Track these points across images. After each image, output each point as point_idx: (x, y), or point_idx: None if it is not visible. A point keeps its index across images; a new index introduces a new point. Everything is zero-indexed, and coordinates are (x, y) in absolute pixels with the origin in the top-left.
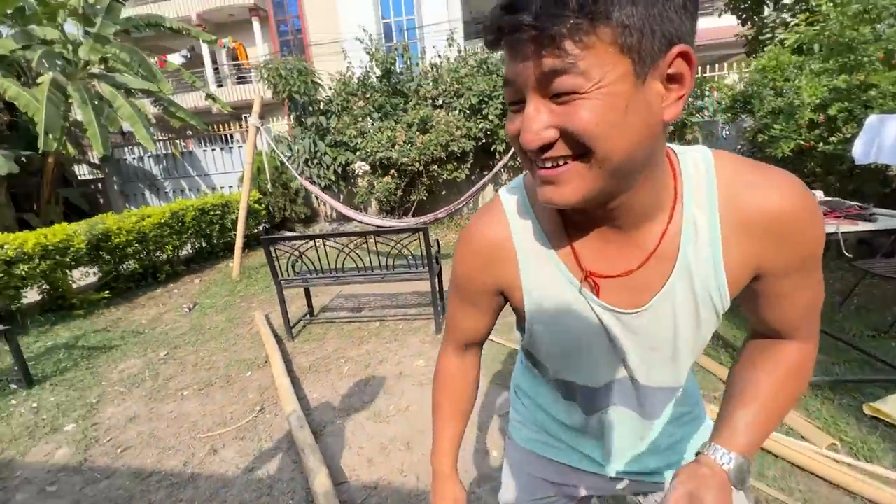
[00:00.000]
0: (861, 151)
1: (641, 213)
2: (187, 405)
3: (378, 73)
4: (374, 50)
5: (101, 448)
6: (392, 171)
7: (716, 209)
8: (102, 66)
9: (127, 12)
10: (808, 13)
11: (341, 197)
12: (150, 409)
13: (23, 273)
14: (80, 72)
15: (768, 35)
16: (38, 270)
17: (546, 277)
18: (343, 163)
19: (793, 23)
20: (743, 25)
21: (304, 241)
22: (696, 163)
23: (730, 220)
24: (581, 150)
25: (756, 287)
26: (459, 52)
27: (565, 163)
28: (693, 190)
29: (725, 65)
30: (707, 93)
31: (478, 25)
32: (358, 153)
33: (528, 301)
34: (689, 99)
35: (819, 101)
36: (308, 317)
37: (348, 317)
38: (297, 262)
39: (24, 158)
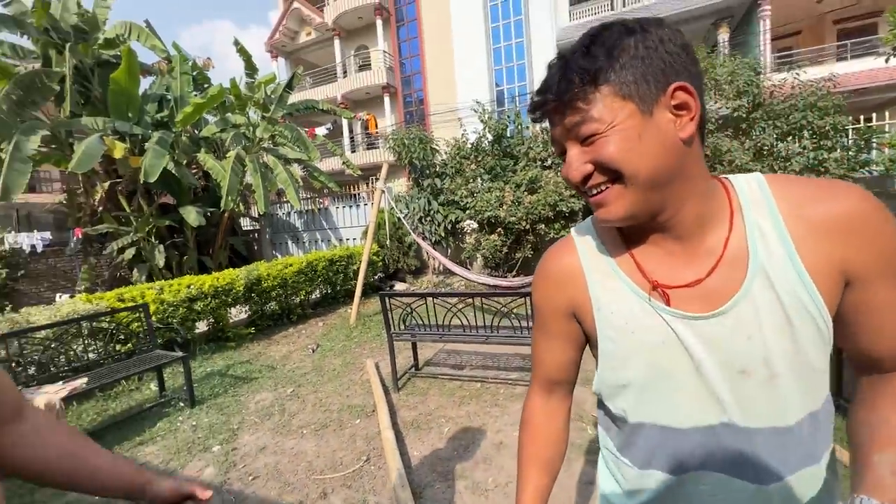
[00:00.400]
0: None
1: (696, 223)
2: (305, 444)
3: (490, 138)
4: (486, 118)
5: (237, 473)
6: (499, 228)
7: (778, 216)
8: (270, 141)
9: (291, 99)
10: None
11: (449, 251)
12: (276, 443)
13: (199, 308)
14: (254, 147)
15: None
16: (208, 307)
17: (614, 292)
18: (453, 220)
19: None
20: None
21: (415, 299)
22: (748, 181)
23: (798, 228)
24: (613, 175)
25: (852, 299)
26: None
27: (606, 188)
28: (751, 202)
29: None
30: (875, 145)
31: None
32: (467, 212)
33: (599, 318)
34: (850, 153)
35: None
36: (413, 369)
37: (450, 374)
38: (409, 316)
39: (208, 213)
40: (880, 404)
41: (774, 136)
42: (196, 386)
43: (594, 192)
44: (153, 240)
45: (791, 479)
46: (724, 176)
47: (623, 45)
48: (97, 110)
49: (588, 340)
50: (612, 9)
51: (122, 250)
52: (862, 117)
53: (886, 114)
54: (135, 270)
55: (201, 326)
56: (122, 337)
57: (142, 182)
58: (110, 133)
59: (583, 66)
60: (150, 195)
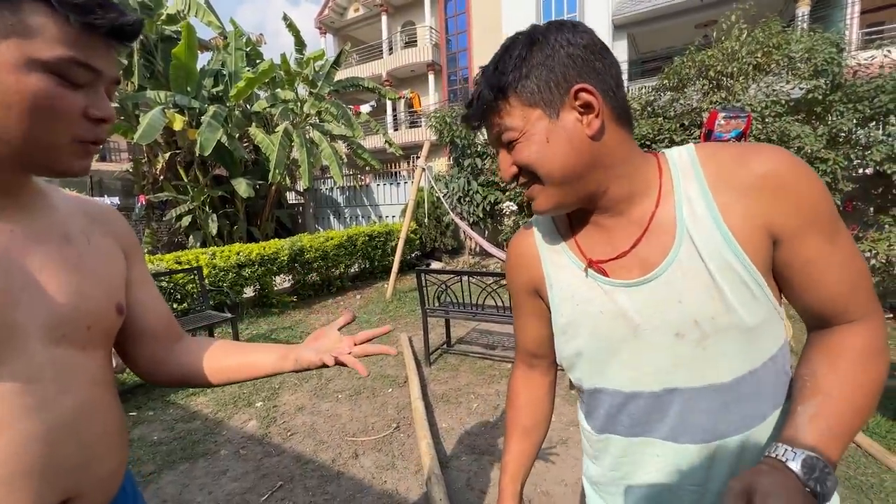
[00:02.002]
0: None
1: (626, 200)
2: (340, 407)
3: None
4: None
5: (277, 428)
6: None
7: (704, 182)
8: (316, 117)
9: (337, 76)
10: None
11: (486, 233)
12: (313, 404)
13: (247, 275)
14: (302, 122)
15: None
16: (255, 274)
17: (561, 269)
18: (492, 201)
19: None
20: None
21: (450, 276)
22: (679, 153)
23: (721, 191)
24: (533, 175)
25: (782, 257)
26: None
27: (531, 189)
28: (681, 172)
29: None
30: None
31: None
32: (507, 193)
33: (551, 294)
34: None
35: None
36: (445, 346)
37: (482, 353)
38: (443, 293)
39: (257, 185)
40: (812, 357)
41: (854, 120)
42: None
43: (523, 189)
44: (207, 209)
45: (736, 437)
46: (660, 151)
47: (525, 55)
48: (160, 84)
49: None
50: None
51: (179, 217)
52: None
53: None
54: (190, 237)
55: (248, 292)
56: (178, 297)
57: (198, 154)
58: (171, 106)
59: (492, 82)
60: (206, 166)
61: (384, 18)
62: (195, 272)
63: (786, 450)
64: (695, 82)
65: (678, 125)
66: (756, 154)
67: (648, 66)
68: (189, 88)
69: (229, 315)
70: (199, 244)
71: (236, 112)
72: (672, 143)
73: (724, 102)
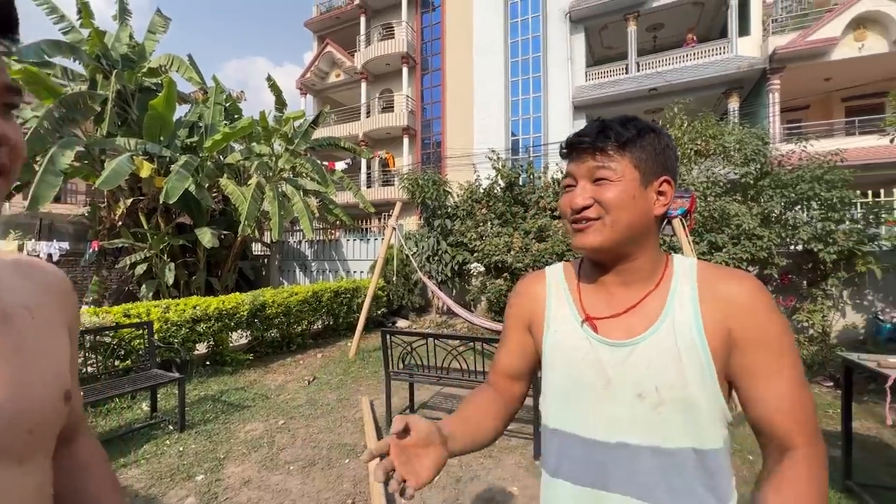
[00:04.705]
0: None
1: (639, 276)
2: (291, 481)
3: (502, 184)
4: (500, 166)
5: None
6: (505, 273)
7: (695, 286)
8: (290, 172)
9: (315, 133)
10: None
11: (454, 292)
12: (261, 477)
13: (201, 330)
14: (275, 176)
15: None
16: (211, 329)
17: (562, 317)
18: (460, 261)
19: None
20: None
21: (416, 338)
22: (683, 261)
23: (706, 297)
24: (602, 214)
25: (735, 363)
26: None
27: (592, 223)
28: (682, 274)
29: None
30: (882, 221)
31: None
32: (475, 254)
33: (546, 334)
34: (860, 226)
35: None
36: (408, 411)
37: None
38: (408, 356)
39: (222, 235)
40: (772, 486)
41: (782, 203)
42: (188, 409)
43: (582, 221)
44: (165, 257)
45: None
46: (670, 253)
47: (647, 134)
48: (131, 132)
49: (537, 356)
50: (627, 72)
51: (134, 265)
52: (870, 192)
53: (895, 191)
54: (143, 286)
55: (201, 348)
56: (122, 353)
57: (162, 202)
58: (140, 153)
59: (619, 131)
60: (169, 214)
61: (364, 85)
62: (145, 327)
63: None
64: None
65: None
66: (736, 278)
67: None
68: (162, 137)
69: (177, 375)
70: (151, 294)
71: (208, 163)
72: None
73: None
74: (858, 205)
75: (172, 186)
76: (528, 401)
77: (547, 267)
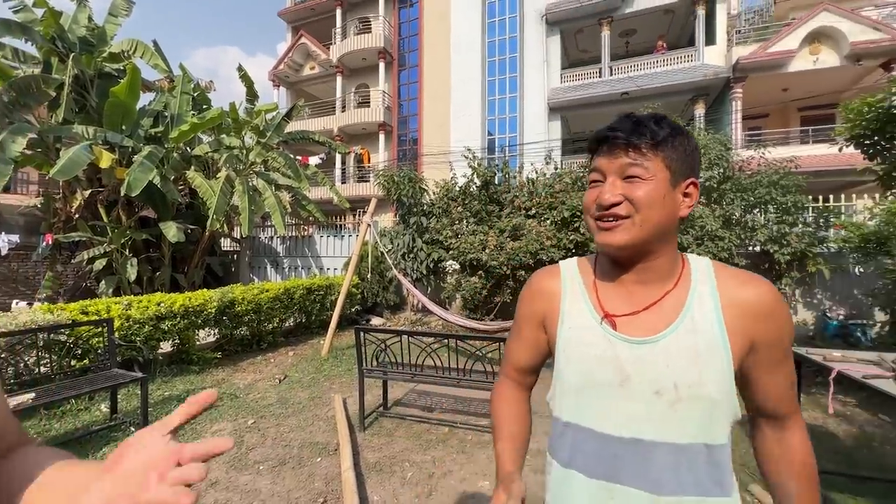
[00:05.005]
0: None
1: (658, 275)
2: (261, 481)
3: (478, 183)
4: (476, 165)
5: None
6: (480, 272)
7: (715, 287)
8: (262, 166)
9: (288, 127)
10: None
11: (429, 290)
12: (229, 477)
13: (166, 328)
14: (246, 170)
15: None
16: (176, 327)
17: (578, 312)
18: (435, 259)
19: None
20: (871, 161)
21: (391, 335)
22: (698, 260)
23: (728, 300)
24: (631, 212)
25: (754, 359)
26: (556, 168)
27: (619, 220)
28: (699, 274)
29: (854, 195)
30: (830, 225)
31: (575, 144)
32: (450, 252)
33: (560, 329)
34: (811, 229)
35: None
36: (382, 408)
37: (419, 416)
38: (382, 353)
39: (189, 230)
40: (782, 467)
41: (742, 207)
42: (151, 410)
43: (609, 219)
44: (127, 252)
45: (686, 499)
46: (685, 254)
47: (680, 135)
48: (90, 119)
49: (549, 350)
50: (600, 76)
51: (92, 260)
52: (821, 197)
53: (843, 196)
54: (102, 282)
55: (165, 347)
56: (79, 352)
57: (124, 194)
58: (100, 143)
59: (655, 129)
60: (132, 207)
61: (339, 79)
62: (104, 324)
63: None
64: None
65: None
66: (755, 283)
67: (579, 144)
68: (124, 126)
69: (140, 374)
70: (111, 291)
71: (174, 154)
72: None
73: None
74: (810, 209)
75: (135, 178)
76: None
77: (560, 261)
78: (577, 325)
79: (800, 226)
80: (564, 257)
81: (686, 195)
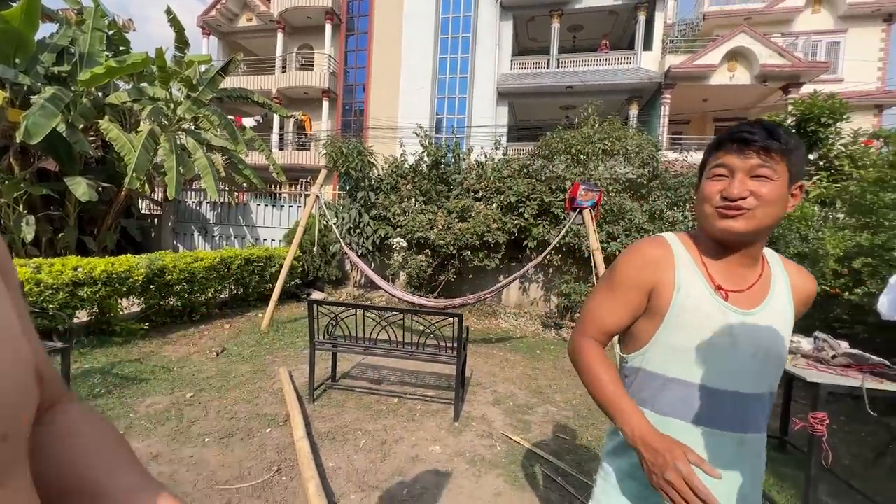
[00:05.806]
0: (887, 307)
1: (753, 260)
2: (207, 452)
3: (428, 162)
4: (428, 143)
5: None
6: (427, 250)
7: (785, 273)
8: (192, 123)
9: (223, 83)
10: (830, 171)
11: (373, 266)
12: (171, 451)
13: (84, 295)
14: (173, 125)
15: None
16: (97, 295)
17: (693, 282)
18: (382, 235)
19: (815, 178)
20: None
21: (344, 309)
22: (769, 251)
23: (795, 287)
24: (754, 206)
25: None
26: (504, 154)
27: (742, 212)
28: (774, 262)
29: None
30: None
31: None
32: (398, 229)
33: (676, 296)
34: None
35: (843, 254)
36: (330, 381)
37: (368, 388)
38: (334, 327)
39: (101, 188)
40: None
41: (666, 203)
42: (71, 384)
43: (734, 210)
44: (21, 208)
45: (756, 434)
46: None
47: (801, 146)
48: None
49: (645, 314)
50: (548, 67)
51: None
52: None
53: None
54: None
55: (82, 316)
56: None
57: (19, 140)
58: None
59: (786, 138)
60: (27, 156)
61: (280, 36)
62: None
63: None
64: (561, 155)
65: (547, 187)
66: (809, 275)
67: (524, 132)
68: (18, 60)
69: (59, 344)
70: None
71: (84, 99)
72: (542, 202)
73: (582, 175)
74: None
75: (35, 123)
76: (448, 369)
77: (665, 235)
78: (694, 293)
79: None
80: (508, 240)
81: (792, 195)
